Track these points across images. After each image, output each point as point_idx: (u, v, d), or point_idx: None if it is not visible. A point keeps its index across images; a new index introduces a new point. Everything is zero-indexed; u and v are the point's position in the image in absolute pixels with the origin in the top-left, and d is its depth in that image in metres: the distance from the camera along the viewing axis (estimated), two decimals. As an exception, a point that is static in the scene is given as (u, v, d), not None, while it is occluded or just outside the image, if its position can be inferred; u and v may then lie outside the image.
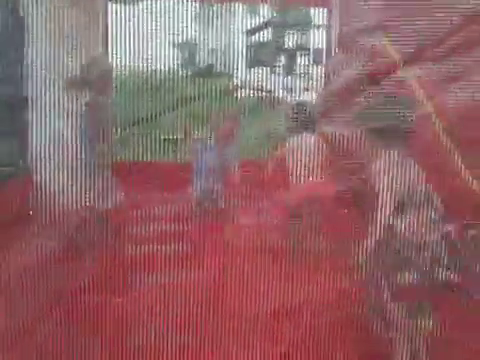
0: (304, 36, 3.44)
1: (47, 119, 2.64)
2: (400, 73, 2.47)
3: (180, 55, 3.29)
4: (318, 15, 3.27)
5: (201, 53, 3.40)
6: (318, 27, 3.24)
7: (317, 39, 3.36)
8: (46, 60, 2.62)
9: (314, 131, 3.01)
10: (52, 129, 2.64)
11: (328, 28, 3.16)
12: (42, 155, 2.64)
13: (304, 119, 3.08)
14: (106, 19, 2.84)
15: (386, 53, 2.59)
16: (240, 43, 3.34)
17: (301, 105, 3.18)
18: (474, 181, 2.36)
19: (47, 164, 2.65)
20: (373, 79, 2.43)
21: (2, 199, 2.71)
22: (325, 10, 3.13)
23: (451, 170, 2.37)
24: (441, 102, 2.43)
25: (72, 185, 2.60)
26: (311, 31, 3.39)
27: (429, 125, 2.40)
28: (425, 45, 2.36)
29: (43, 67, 2.62)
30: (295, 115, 3.12)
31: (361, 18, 2.60)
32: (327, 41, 3.23)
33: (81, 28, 2.72)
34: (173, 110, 3.10)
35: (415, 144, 2.42)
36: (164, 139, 3.14)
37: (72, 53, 2.69)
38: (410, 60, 2.43)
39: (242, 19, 3.31)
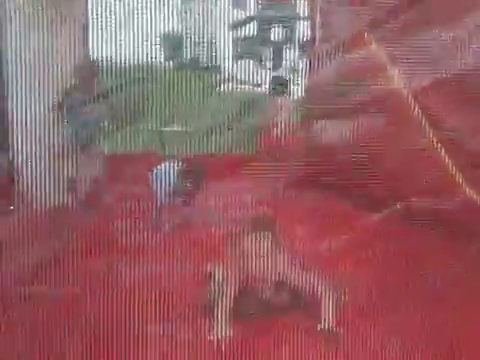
0: (289, 29, 3.44)
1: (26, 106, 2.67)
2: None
3: (165, 47, 3.31)
4: (302, 8, 3.27)
5: (187, 46, 3.42)
6: (303, 20, 3.25)
7: (302, 32, 3.37)
8: (25, 56, 2.63)
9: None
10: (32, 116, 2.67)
11: (312, 21, 3.17)
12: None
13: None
14: (86, 12, 2.85)
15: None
16: (226, 36, 3.35)
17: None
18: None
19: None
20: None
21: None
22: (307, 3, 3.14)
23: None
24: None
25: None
26: (296, 24, 3.40)
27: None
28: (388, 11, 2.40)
29: (22, 63, 2.64)
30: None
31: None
32: (311, 34, 3.24)
33: (60, 23, 2.73)
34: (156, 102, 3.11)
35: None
36: (148, 131, 3.17)
37: (52, 48, 2.70)
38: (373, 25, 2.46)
39: (228, 12, 3.31)
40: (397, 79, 2.44)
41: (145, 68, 3.14)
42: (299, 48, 3.46)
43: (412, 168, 2.37)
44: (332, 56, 2.69)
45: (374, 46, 2.50)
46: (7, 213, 2.70)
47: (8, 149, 2.89)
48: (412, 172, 2.37)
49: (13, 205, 2.82)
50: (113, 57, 2.86)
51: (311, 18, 3.16)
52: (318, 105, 3.13)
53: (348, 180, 2.28)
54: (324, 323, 2.36)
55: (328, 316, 2.37)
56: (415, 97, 2.45)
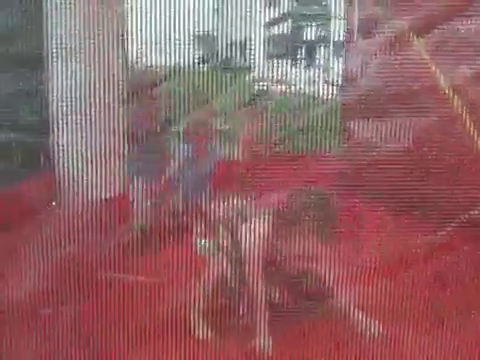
0: (324, 28, 3.39)
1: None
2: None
3: (198, 48, 3.28)
4: (338, 6, 3.21)
5: (220, 46, 3.38)
6: (338, 19, 3.19)
7: (337, 31, 3.31)
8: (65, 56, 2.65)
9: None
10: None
11: (348, 20, 3.11)
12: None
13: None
14: (124, 12, 2.85)
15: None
16: (259, 35, 3.31)
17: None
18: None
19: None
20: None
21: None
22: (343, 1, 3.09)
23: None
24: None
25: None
26: (331, 23, 3.34)
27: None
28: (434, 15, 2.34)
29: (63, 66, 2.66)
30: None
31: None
32: (347, 32, 3.18)
33: (99, 23, 2.73)
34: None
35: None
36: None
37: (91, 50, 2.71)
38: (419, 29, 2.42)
39: (261, 11, 3.27)
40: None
41: (180, 70, 3.13)
42: (333, 47, 3.41)
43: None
44: (370, 55, 2.65)
45: (416, 43, 2.45)
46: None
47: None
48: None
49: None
50: (150, 61, 2.86)
51: (347, 17, 3.11)
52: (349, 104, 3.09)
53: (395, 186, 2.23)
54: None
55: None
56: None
